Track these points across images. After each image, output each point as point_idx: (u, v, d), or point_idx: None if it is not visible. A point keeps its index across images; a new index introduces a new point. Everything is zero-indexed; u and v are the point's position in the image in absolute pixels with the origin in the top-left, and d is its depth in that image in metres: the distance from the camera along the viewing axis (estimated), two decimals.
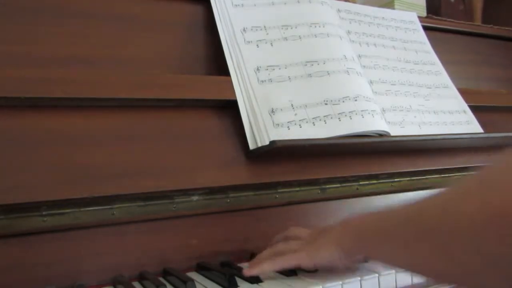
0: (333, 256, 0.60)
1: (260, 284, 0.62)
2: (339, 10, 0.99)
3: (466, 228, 0.39)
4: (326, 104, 0.81)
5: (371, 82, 0.92)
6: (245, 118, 0.78)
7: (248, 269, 0.63)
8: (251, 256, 0.77)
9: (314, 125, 0.79)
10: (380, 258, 0.58)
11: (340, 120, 0.80)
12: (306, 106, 0.80)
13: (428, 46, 1.09)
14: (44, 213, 0.64)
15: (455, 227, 0.41)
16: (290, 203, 0.83)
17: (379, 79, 0.94)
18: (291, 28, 0.88)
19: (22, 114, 0.65)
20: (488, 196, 0.38)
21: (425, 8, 1.36)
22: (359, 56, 0.94)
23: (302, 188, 0.83)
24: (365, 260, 0.66)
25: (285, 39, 0.86)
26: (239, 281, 0.62)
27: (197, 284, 0.62)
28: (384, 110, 0.89)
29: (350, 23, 0.99)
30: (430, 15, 1.26)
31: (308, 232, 0.70)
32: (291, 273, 0.64)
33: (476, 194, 0.40)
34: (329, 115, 0.80)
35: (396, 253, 0.52)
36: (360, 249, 0.60)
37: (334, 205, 0.89)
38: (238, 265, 0.71)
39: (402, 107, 0.93)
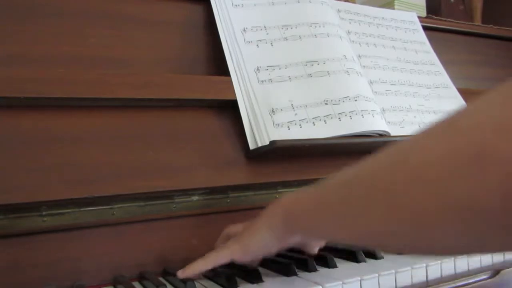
0: (266, 242, 0.55)
1: (260, 284, 0.62)
2: (339, 10, 0.99)
3: (434, 175, 0.32)
4: (326, 104, 0.81)
5: (371, 82, 0.92)
6: (245, 118, 0.78)
7: (181, 270, 0.60)
8: None
9: (314, 125, 0.79)
10: (319, 235, 0.51)
11: (340, 120, 0.80)
12: (306, 106, 0.80)
13: (428, 46, 1.09)
14: (44, 213, 0.64)
15: (416, 178, 0.33)
16: None
17: (379, 79, 0.94)
18: (291, 28, 0.88)
19: (22, 114, 0.65)
20: (459, 138, 0.31)
21: (425, 8, 1.36)
22: (359, 56, 0.94)
23: None
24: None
25: (285, 39, 0.86)
26: (239, 281, 0.62)
27: (197, 284, 0.62)
28: (384, 110, 0.89)
29: (350, 23, 0.99)
30: (430, 15, 1.26)
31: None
32: (290, 272, 0.64)
33: (444, 138, 0.33)
34: (329, 115, 0.80)
35: (339, 225, 0.44)
36: (293, 229, 0.53)
37: None
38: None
39: (402, 107, 0.93)
